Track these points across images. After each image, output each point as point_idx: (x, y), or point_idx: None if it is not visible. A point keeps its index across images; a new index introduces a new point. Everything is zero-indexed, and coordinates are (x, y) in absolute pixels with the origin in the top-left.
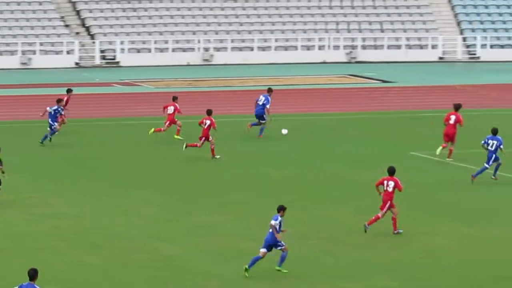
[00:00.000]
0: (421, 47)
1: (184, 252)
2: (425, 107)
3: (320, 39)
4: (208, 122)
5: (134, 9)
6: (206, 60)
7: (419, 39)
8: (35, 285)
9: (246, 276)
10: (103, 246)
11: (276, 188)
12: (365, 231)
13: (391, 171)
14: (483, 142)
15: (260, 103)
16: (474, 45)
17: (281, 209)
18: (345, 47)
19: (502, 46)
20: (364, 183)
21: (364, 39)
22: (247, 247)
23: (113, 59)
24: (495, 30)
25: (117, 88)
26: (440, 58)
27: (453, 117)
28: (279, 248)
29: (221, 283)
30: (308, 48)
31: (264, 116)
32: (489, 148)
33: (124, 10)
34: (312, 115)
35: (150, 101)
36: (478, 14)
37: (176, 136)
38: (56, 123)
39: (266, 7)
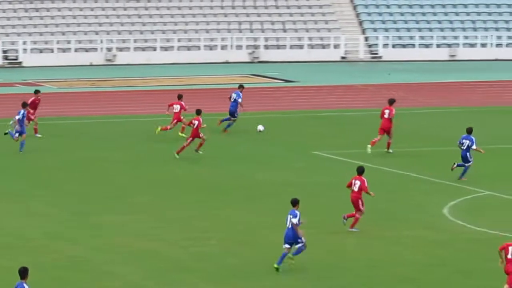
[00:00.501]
0: (324, 46)
1: (87, 253)
2: (327, 106)
3: (222, 39)
4: (196, 122)
5: (37, 9)
6: (109, 60)
7: (321, 38)
8: (24, 284)
9: (278, 271)
10: (7, 247)
11: (179, 188)
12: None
13: (360, 171)
14: (458, 142)
15: (232, 100)
16: (376, 44)
17: (297, 203)
18: (247, 47)
19: (404, 46)
20: (267, 183)
21: (266, 39)
22: (150, 247)
23: (16, 59)
24: (397, 29)
25: (20, 88)
26: (343, 57)
27: (387, 111)
28: (299, 244)
29: (125, 283)
30: (211, 48)
31: (236, 113)
32: (462, 147)
33: (26, 10)
34: (215, 115)
35: (53, 101)
36: (380, 14)
37: (180, 134)
38: (17, 134)
39: (168, 7)
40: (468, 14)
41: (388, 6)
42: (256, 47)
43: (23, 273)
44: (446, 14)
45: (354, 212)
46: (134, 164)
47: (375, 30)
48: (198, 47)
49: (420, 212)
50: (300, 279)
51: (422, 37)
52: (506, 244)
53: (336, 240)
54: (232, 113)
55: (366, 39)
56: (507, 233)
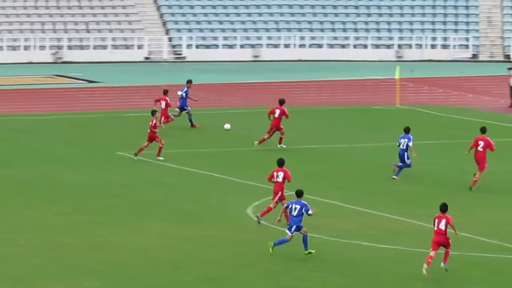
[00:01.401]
0: (127, 47)
1: None
2: (131, 107)
3: (25, 39)
4: (151, 123)
5: None
6: None
7: (125, 39)
8: None
9: (270, 252)
10: None
11: None
12: (258, 222)
13: (280, 163)
14: (398, 144)
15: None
16: (180, 45)
17: (302, 194)
18: (51, 47)
19: (207, 46)
20: (70, 183)
21: (70, 39)
22: None
23: None
24: (201, 30)
25: None
26: (146, 58)
27: (278, 111)
28: (303, 232)
29: None
30: (14, 48)
31: (186, 107)
32: (401, 147)
33: None
34: (18, 116)
35: None
36: (183, 15)
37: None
38: None
39: None
40: (271, 15)
41: (191, 7)
42: (60, 47)
43: None
44: (249, 15)
45: (266, 210)
46: None
47: (178, 30)
48: (1, 47)
49: (225, 212)
50: (101, 280)
51: (225, 38)
52: (436, 216)
53: (137, 239)
54: (181, 108)
55: (170, 39)
56: (312, 233)
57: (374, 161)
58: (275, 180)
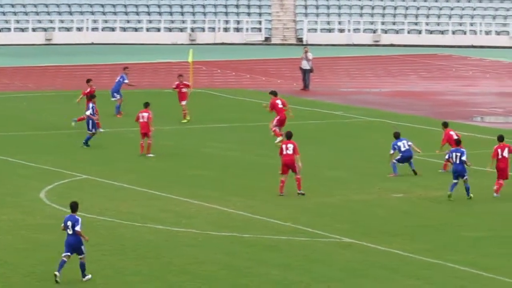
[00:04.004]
0: None
1: None
2: None
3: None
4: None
5: None
6: None
7: None
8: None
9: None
10: None
11: None
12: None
13: (289, 135)
14: (396, 148)
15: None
16: None
17: (460, 142)
18: None
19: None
20: None
21: None
22: None
23: None
24: None
25: None
26: None
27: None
28: (466, 179)
29: None
30: None
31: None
32: (403, 148)
33: None
34: None
35: None
36: None
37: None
38: None
39: None
40: None
41: None
42: None
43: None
44: None
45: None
46: None
47: None
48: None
49: (17, 196)
50: None
51: (17, 21)
52: (495, 148)
53: None
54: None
55: None
56: (104, 217)
57: (166, 145)
58: (285, 152)
